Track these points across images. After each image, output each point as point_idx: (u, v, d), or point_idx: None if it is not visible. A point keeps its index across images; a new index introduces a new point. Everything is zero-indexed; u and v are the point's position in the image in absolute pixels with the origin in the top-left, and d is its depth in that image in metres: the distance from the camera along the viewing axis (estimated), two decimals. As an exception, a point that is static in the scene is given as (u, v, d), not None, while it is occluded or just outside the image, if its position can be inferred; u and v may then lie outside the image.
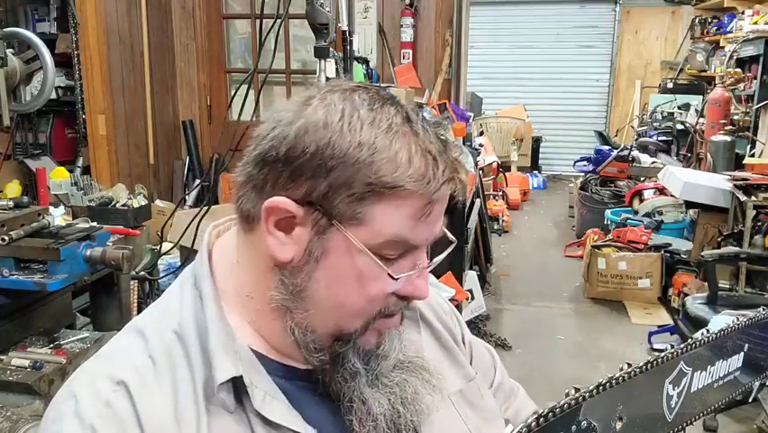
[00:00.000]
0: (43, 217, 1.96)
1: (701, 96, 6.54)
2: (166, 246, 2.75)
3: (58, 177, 3.31)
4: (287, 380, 0.70)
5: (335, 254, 0.65)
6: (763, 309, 0.86)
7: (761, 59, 4.58)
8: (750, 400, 0.90)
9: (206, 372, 0.66)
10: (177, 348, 0.68)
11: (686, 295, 3.42)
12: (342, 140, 0.62)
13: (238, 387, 0.66)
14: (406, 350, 0.74)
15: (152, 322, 0.71)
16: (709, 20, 7.17)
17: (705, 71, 7.11)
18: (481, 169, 5.18)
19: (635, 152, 5.99)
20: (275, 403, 0.67)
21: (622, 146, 6.36)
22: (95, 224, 2.19)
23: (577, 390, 0.59)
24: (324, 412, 0.71)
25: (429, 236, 0.68)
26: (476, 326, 3.63)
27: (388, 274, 0.65)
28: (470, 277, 3.58)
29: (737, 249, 3.37)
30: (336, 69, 2.66)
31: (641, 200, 5.18)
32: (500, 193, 6.63)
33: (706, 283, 3.13)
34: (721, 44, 6.43)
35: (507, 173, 7.14)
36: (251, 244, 0.70)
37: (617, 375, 0.64)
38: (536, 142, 8.56)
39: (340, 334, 0.68)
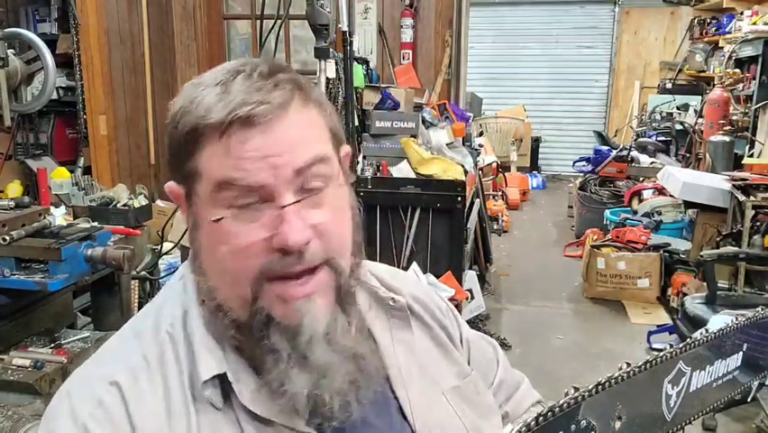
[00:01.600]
0: (44, 217, 1.96)
1: (700, 97, 6.54)
2: (167, 246, 2.75)
3: (59, 177, 3.31)
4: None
5: (201, 219, 0.67)
6: (762, 309, 0.87)
7: (760, 59, 4.58)
8: (749, 400, 0.90)
9: (192, 370, 0.67)
10: (168, 348, 0.69)
11: (685, 295, 3.42)
12: (175, 103, 0.68)
13: (224, 384, 0.67)
14: (347, 337, 0.69)
15: (148, 323, 0.72)
16: (708, 20, 7.17)
17: (704, 72, 7.12)
18: (481, 169, 5.19)
19: (635, 153, 5.99)
20: (261, 398, 0.67)
21: (621, 146, 6.36)
22: (96, 224, 2.20)
23: (576, 389, 0.60)
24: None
25: (268, 172, 0.63)
26: (475, 325, 3.63)
27: (212, 220, 0.64)
28: (470, 277, 3.58)
29: (736, 249, 3.37)
30: (336, 69, 2.67)
31: (640, 200, 5.18)
32: (500, 193, 6.63)
33: (705, 283, 3.13)
34: (720, 45, 6.43)
35: (506, 173, 7.14)
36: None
37: (617, 375, 0.65)
38: (536, 142, 8.57)
39: (245, 304, 0.66)
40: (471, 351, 0.90)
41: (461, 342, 0.89)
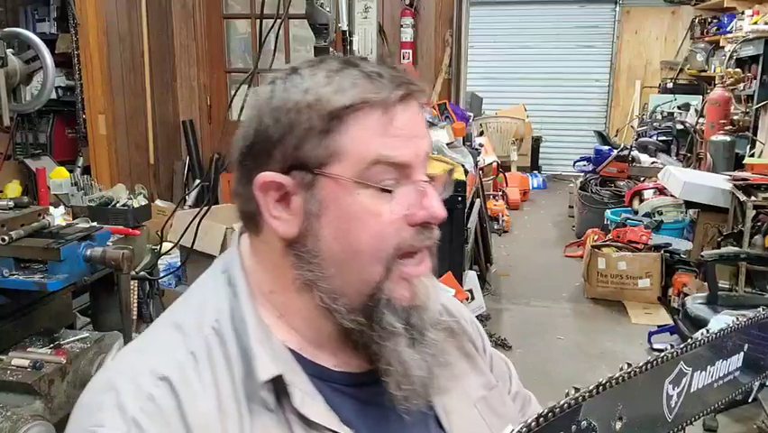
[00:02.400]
0: (43, 217, 1.96)
1: (701, 96, 6.53)
2: (166, 246, 2.75)
3: (58, 177, 3.30)
4: (321, 380, 0.69)
5: (331, 202, 0.65)
6: (763, 309, 0.86)
7: (760, 59, 4.58)
8: (750, 400, 0.90)
9: (246, 369, 0.65)
10: (215, 345, 0.67)
11: (686, 295, 3.42)
12: (289, 95, 0.66)
13: (277, 386, 0.65)
14: (443, 313, 0.73)
15: (190, 317, 0.70)
16: (709, 20, 7.17)
17: (705, 71, 7.11)
18: (481, 169, 5.18)
19: (635, 152, 5.98)
20: (314, 403, 0.66)
21: (622, 146, 6.36)
22: (95, 224, 2.19)
23: (577, 390, 0.59)
24: (360, 416, 0.69)
25: (413, 150, 0.66)
26: (476, 326, 3.62)
27: (382, 189, 0.64)
28: (470, 277, 3.58)
29: (737, 249, 3.37)
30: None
31: (641, 200, 5.17)
32: (500, 193, 6.63)
33: (706, 283, 3.13)
34: (721, 44, 6.42)
35: (506, 173, 7.13)
36: (262, 243, 0.71)
37: (617, 375, 0.64)
38: (536, 142, 8.56)
39: (367, 288, 0.66)
40: (493, 361, 0.89)
41: (485, 352, 0.88)
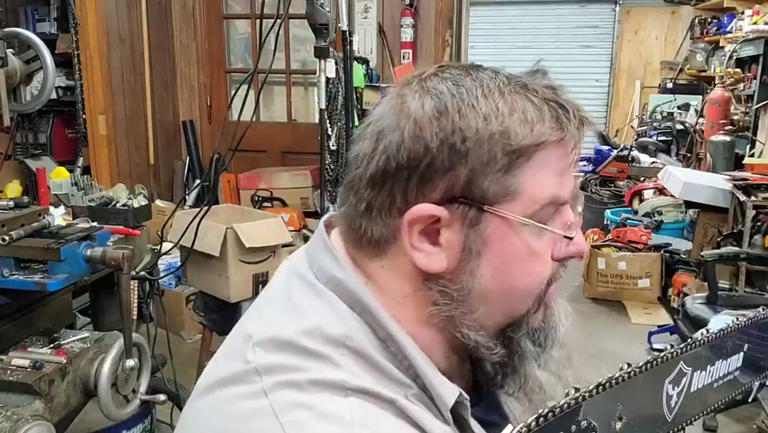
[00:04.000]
0: (43, 217, 1.96)
1: (701, 97, 6.54)
2: (166, 246, 2.75)
3: (58, 177, 3.30)
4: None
5: (497, 240, 0.61)
6: (763, 309, 0.86)
7: (761, 59, 4.57)
8: (750, 400, 0.90)
9: (418, 394, 0.61)
10: (357, 366, 0.60)
11: (686, 295, 3.42)
12: (467, 119, 0.58)
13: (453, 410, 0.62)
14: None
15: (312, 338, 0.60)
16: (709, 20, 7.16)
17: (705, 71, 7.11)
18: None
19: (635, 152, 5.98)
20: (477, 425, 0.64)
21: (622, 146, 6.35)
22: (95, 224, 2.19)
23: (577, 390, 0.59)
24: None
25: (574, 187, 0.64)
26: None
27: (565, 236, 0.62)
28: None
29: (737, 249, 3.37)
30: (336, 69, 2.67)
31: (641, 200, 5.17)
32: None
33: (705, 283, 3.13)
34: (721, 44, 6.42)
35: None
36: (382, 269, 0.64)
37: (617, 375, 0.64)
38: (536, 142, 8.56)
39: (509, 320, 0.64)
40: None
41: None
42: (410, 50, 4.79)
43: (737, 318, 0.83)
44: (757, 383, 0.88)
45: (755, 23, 5.09)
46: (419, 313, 0.64)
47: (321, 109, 2.98)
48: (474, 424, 0.63)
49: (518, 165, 0.59)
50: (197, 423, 0.62)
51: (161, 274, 3.05)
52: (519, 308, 0.64)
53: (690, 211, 4.54)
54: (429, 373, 0.61)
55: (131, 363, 1.88)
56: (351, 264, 0.66)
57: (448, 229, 0.61)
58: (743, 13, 5.78)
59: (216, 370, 0.64)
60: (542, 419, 0.55)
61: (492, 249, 0.61)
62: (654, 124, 6.93)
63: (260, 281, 2.68)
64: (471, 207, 0.60)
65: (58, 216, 2.51)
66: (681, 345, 0.74)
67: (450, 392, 0.61)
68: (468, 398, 0.63)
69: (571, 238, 0.63)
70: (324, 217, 0.73)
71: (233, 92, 5.02)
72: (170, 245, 2.83)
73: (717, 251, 3.30)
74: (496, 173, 0.59)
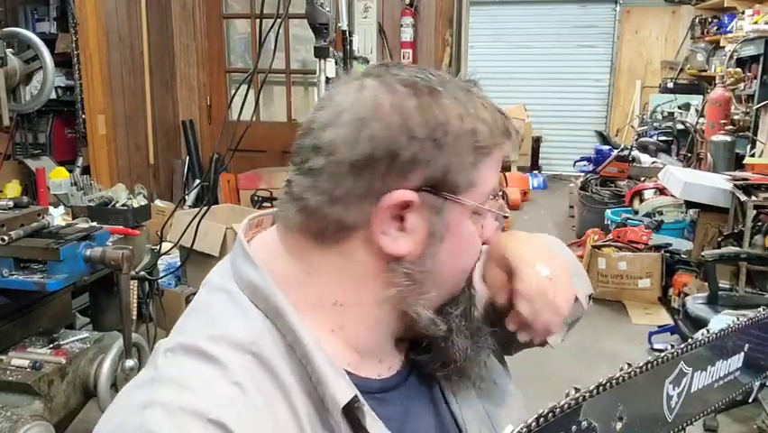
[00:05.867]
0: (43, 217, 1.96)
1: (701, 96, 6.53)
2: (166, 246, 2.75)
3: (57, 177, 3.31)
4: (366, 394, 0.66)
5: (455, 226, 0.67)
6: (764, 309, 0.86)
7: (761, 58, 4.57)
8: (750, 400, 0.90)
9: (312, 396, 0.62)
10: (260, 373, 0.61)
11: (686, 295, 3.42)
12: (448, 116, 0.64)
13: (346, 410, 0.62)
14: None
15: (214, 342, 0.61)
16: (709, 20, 7.17)
17: (705, 71, 7.11)
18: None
19: (636, 152, 5.98)
20: (374, 423, 0.63)
21: (622, 146, 6.35)
22: (94, 224, 2.20)
23: (577, 390, 0.59)
24: (403, 422, 0.70)
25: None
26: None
27: (504, 216, 0.73)
28: (471, 277, 3.58)
29: (737, 249, 3.36)
30: (336, 68, 2.66)
31: (641, 200, 5.17)
32: (500, 193, 6.61)
33: (706, 283, 3.13)
34: (721, 44, 6.43)
35: (507, 173, 7.13)
36: (335, 253, 0.66)
37: (617, 375, 0.64)
38: (536, 141, 8.56)
39: (451, 297, 0.71)
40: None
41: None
42: (410, 50, 4.79)
43: (738, 319, 0.83)
44: (758, 383, 0.88)
45: (756, 23, 5.09)
46: (370, 294, 0.67)
47: (321, 109, 2.97)
48: (373, 424, 0.63)
49: (481, 161, 0.67)
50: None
51: (161, 274, 3.05)
52: (460, 286, 0.72)
53: (691, 211, 4.54)
54: (325, 376, 0.62)
55: (130, 363, 1.88)
56: (283, 262, 0.68)
57: (415, 215, 0.65)
58: (743, 12, 5.79)
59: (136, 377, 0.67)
60: (542, 419, 0.55)
61: (451, 234, 0.67)
62: (655, 123, 6.93)
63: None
64: (438, 195, 0.65)
65: (57, 217, 2.51)
66: (682, 346, 0.74)
67: (342, 394, 0.62)
68: (365, 403, 0.63)
69: (506, 217, 0.75)
70: (249, 218, 0.76)
71: (232, 92, 5.02)
72: (170, 245, 2.83)
73: (717, 251, 3.30)
74: (466, 167, 0.66)
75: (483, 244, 0.73)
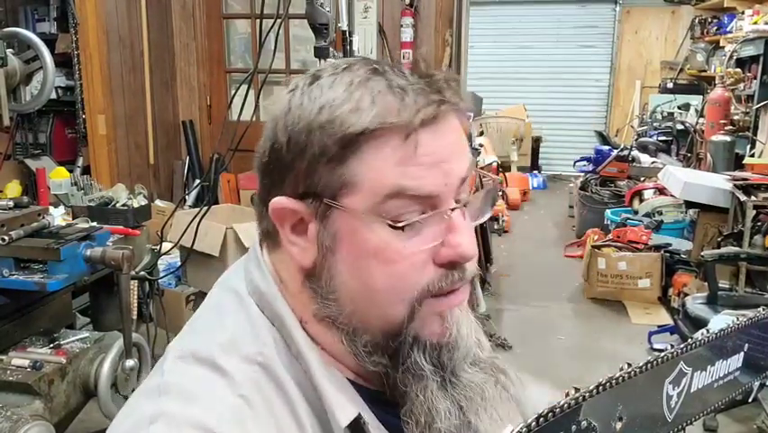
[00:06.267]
0: (43, 217, 1.96)
1: (701, 96, 6.54)
2: (166, 246, 2.75)
3: (58, 177, 3.30)
4: (374, 404, 0.63)
5: (345, 235, 0.59)
6: (763, 309, 0.86)
7: (761, 59, 4.57)
8: (750, 400, 0.90)
9: (316, 413, 0.60)
10: (266, 383, 0.59)
11: (686, 295, 3.42)
12: (303, 111, 0.58)
13: (352, 426, 0.59)
14: (482, 347, 0.65)
15: (223, 352, 0.60)
16: (709, 20, 7.17)
17: (705, 71, 7.11)
18: (481, 169, 5.18)
19: (635, 152, 5.98)
20: None
21: (622, 146, 6.35)
22: (95, 224, 2.20)
23: (577, 390, 0.59)
24: None
25: (440, 180, 0.58)
26: (476, 326, 3.62)
27: (394, 226, 0.57)
28: (470, 277, 3.57)
29: (737, 249, 3.36)
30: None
31: (641, 200, 5.17)
32: (500, 193, 6.62)
33: (706, 283, 3.13)
34: (721, 44, 6.43)
35: (507, 173, 7.13)
36: (282, 264, 0.65)
37: (617, 375, 0.64)
38: (536, 142, 8.56)
39: (390, 327, 0.60)
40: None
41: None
42: (410, 50, 4.79)
43: (738, 318, 0.83)
44: (757, 383, 0.88)
45: (755, 23, 5.10)
46: (311, 309, 0.63)
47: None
48: None
49: (350, 155, 0.57)
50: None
51: (161, 274, 3.05)
52: (392, 313, 0.60)
53: (691, 211, 4.54)
54: (327, 393, 0.59)
55: (130, 363, 1.88)
56: (290, 272, 0.65)
57: (312, 224, 0.60)
58: (743, 13, 5.79)
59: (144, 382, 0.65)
60: (542, 419, 0.55)
61: (343, 245, 0.59)
62: (655, 123, 6.93)
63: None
64: (317, 200, 0.59)
65: (57, 217, 2.51)
66: (682, 346, 0.74)
67: (344, 413, 0.59)
68: (368, 422, 0.60)
69: (401, 229, 0.57)
70: None
71: (232, 92, 5.02)
72: (170, 245, 2.83)
73: (717, 251, 3.30)
74: (327, 164, 0.57)
75: (441, 265, 0.60)
